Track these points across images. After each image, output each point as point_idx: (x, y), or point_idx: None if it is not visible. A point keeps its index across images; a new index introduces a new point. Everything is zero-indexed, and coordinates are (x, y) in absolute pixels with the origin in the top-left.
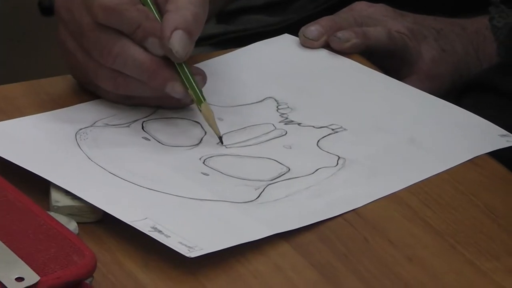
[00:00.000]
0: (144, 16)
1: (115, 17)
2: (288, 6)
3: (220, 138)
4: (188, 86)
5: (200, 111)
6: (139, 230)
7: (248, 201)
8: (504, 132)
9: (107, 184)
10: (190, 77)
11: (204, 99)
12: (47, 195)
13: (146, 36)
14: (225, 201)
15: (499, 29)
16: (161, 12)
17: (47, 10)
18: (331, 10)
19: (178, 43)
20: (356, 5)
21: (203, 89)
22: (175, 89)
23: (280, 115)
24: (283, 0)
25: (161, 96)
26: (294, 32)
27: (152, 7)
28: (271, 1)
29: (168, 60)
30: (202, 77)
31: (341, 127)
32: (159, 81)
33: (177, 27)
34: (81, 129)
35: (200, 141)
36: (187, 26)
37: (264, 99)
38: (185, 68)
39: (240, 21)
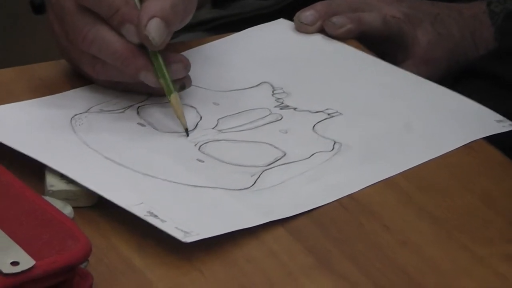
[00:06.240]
0: (123, 1)
1: None
2: None
3: (186, 130)
4: (159, 75)
5: (169, 101)
6: (134, 215)
7: (244, 188)
8: (500, 117)
9: (103, 168)
10: (162, 66)
11: (175, 90)
12: (42, 179)
13: (123, 22)
14: (220, 188)
15: (496, 14)
16: (142, 2)
17: (39, 8)
18: None
19: (155, 30)
20: None
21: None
22: (147, 78)
23: (275, 100)
24: None
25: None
26: (288, 15)
27: None
28: None
29: (143, 48)
30: (184, 64)
31: (337, 112)
32: (132, 69)
33: (154, 15)
34: (76, 114)
35: (196, 126)
36: (164, 15)
37: (259, 84)
38: (158, 57)
39: (235, 5)
